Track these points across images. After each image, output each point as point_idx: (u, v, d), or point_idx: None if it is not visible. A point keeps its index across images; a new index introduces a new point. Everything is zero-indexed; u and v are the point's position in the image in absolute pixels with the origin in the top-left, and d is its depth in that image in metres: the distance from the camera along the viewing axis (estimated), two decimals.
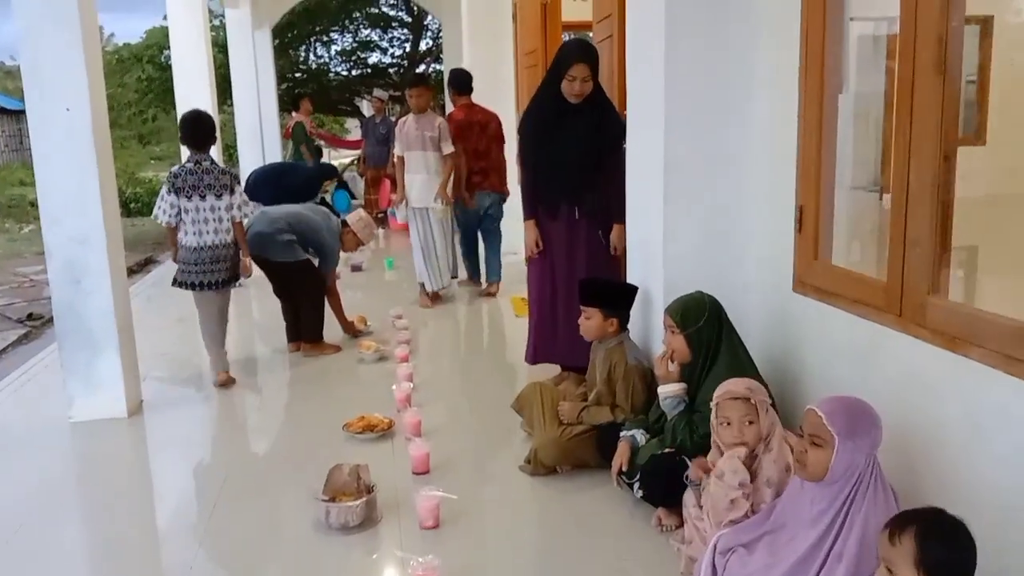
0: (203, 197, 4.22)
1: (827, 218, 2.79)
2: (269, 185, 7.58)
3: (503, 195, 6.29)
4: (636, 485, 2.81)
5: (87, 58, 3.70)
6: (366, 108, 18.21)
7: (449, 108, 6.66)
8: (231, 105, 12.85)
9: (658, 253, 3.28)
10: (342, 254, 5.17)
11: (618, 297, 3.36)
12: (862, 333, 2.51)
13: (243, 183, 6.92)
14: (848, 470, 1.91)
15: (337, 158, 15.09)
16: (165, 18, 9.16)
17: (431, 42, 18.75)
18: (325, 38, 18.77)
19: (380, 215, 9.88)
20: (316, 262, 4.90)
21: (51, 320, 4.73)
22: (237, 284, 4.56)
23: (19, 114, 24.49)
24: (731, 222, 3.21)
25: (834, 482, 1.93)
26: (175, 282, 4.34)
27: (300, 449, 3.61)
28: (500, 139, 6.20)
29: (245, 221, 4.39)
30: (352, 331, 5.22)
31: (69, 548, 2.87)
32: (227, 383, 4.41)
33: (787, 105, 2.86)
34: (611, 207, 3.81)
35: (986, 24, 5.21)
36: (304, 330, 4.93)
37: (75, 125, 3.71)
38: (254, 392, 4.50)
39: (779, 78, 2.92)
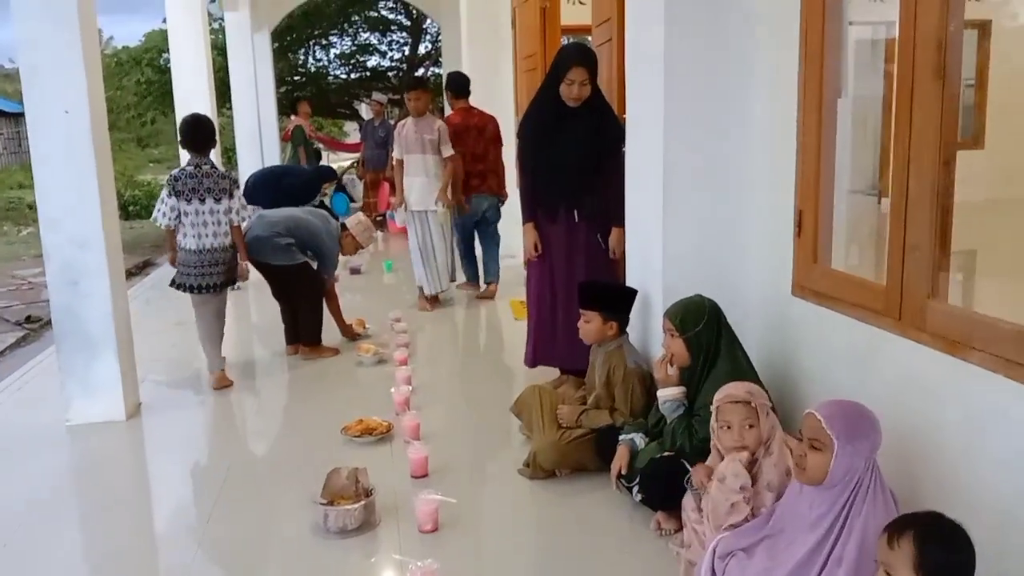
0: (203, 200, 4.22)
1: (826, 222, 2.79)
2: (268, 188, 7.57)
3: (500, 198, 6.29)
4: (635, 489, 2.80)
5: (86, 61, 3.71)
6: (365, 111, 18.25)
7: (448, 111, 6.67)
8: (230, 108, 12.86)
9: (657, 256, 3.28)
10: (341, 257, 5.18)
11: (617, 300, 3.36)
12: (861, 337, 2.51)
13: (242, 186, 6.92)
14: (847, 474, 1.91)
15: (336, 161, 15.08)
16: (164, 21, 9.18)
17: (430, 45, 18.76)
18: (324, 41, 18.77)
19: (379, 218, 9.89)
20: (315, 265, 4.90)
21: (49, 323, 4.72)
22: (235, 287, 4.56)
23: (18, 117, 24.48)
24: (730, 226, 3.21)
25: (833, 486, 1.93)
26: (173, 283, 4.36)
27: (298, 452, 3.60)
28: (497, 142, 6.20)
29: (243, 225, 4.40)
30: (351, 334, 5.22)
31: (67, 551, 2.86)
32: (225, 385, 4.41)
33: (786, 109, 2.87)
34: (610, 210, 3.81)
35: (984, 28, 5.22)
36: (303, 333, 4.93)
37: (74, 128, 3.71)
38: (252, 395, 4.49)
39: (778, 82, 2.93)
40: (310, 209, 5.26)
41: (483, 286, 6.40)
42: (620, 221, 3.76)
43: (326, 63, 19.12)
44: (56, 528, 3.00)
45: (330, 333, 5.07)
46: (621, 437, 2.97)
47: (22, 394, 4.55)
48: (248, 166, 11.40)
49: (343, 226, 5.09)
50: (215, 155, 5.46)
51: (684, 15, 3.07)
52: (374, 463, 3.16)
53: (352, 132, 21.28)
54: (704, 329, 2.76)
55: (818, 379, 2.78)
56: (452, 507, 2.83)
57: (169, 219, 4.23)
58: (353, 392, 4.35)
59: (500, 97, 7.48)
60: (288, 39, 17.39)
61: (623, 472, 2.87)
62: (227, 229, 4.29)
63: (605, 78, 4.41)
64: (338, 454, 3.38)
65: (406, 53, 18.85)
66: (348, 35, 18.87)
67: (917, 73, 2.18)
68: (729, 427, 2.36)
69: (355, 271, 7.47)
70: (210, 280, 4.27)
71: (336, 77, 19.04)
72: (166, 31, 8.98)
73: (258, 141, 12.27)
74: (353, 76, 18.96)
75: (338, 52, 18.98)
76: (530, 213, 4.01)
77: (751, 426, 2.34)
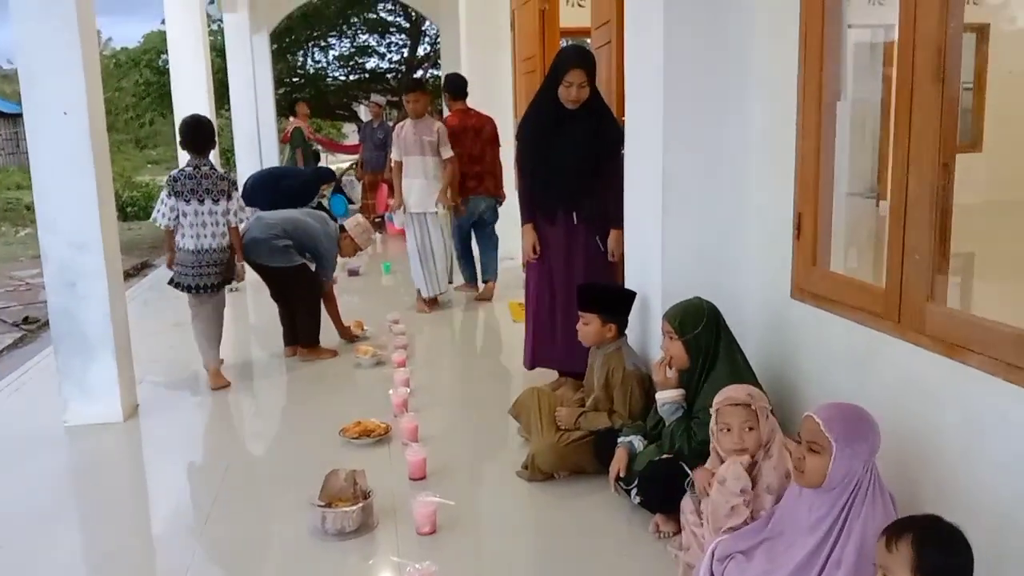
0: (202, 201, 4.23)
1: (825, 225, 2.79)
2: (266, 189, 7.57)
3: (498, 199, 6.29)
4: (634, 491, 2.80)
5: (85, 62, 3.70)
6: (364, 113, 18.27)
7: (447, 114, 6.67)
8: (228, 110, 12.86)
9: (656, 259, 3.28)
10: (339, 259, 5.17)
11: (616, 302, 3.35)
12: (860, 340, 2.51)
13: (241, 188, 6.91)
14: (846, 477, 1.91)
15: (335, 163, 15.08)
16: (163, 22, 9.19)
17: (429, 47, 18.78)
18: (323, 43, 18.79)
19: (377, 220, 9.88)
20: (313, 267, 4.90)
21: (47, 324, 4.72)
22: (233, 289, 4.56)
23: (16, 118, 24.45)
24: (729, 228, 3.21)
25: (832, 489, 1.93)
26: (171, 282, 4.36)
27: (296, 454, 3.60)
28: (495, 143, 6.20)
29: (241, 226, 4.40)
30: (349, 336, 5.22)
31: (65, 552, 2.85)
32: (223, 385, 4.41)
33: (786, 112, 2.87)
34: (609, 212, 3.81)
35: (982, 32, 5.24)
36: (301, 335, 4.93)
37: (72, 129, 3.71)
38: (250, 396, 4.49)
39: (778, 85, 2.93)
40: (308, 211, 5.26)
41: (481, 285, 6.40)
42: (619, 223, 3.76)
43: (325, 65, 19.15)
44: (54, 529, 2.99)
45: (328, 335, 5.07)
46: (620, 439, 2.96)
47: (20, 395, 4.54)
48: (246, 167, 11.39)
49: (341, 228, 5.08)
50: (214, 156, 5.46)
51: (683, 17, 3.07)
52: (372, 465, 3.15)
53: (351, 134, 21.30)
54: (703, 331, 2.76)
55: (817, 382, 2.78)
56: (450, 509, 2.82)
57: (168, 219, 4.24)
58: (351, 394, 4.35)
59: (499, 99, 7.47)
60: (287, 41, 17.41)
61: (622, 474, 2.86)
62: (225, 230, 4.29)
63: (604, 80, 4.41)
64: (336, 456, 3.38)
65: (405, 55, 18.88)
66: (347, 37, 18.90)
67: (916, 76, 2.18)
68: (729, 430, 2.36)
69: (353, 273, 7.46)
70: (206, 280, 4.27)
71: (335, 79, 19.06)
72: (165, 32, 8.98)
73: (256, 143, 12.27)
74: (352, 78, 18.97)
75: (337, 54, 19.03)
76: (529, 215, 4.01)
77: (751, 429, 2.34)
